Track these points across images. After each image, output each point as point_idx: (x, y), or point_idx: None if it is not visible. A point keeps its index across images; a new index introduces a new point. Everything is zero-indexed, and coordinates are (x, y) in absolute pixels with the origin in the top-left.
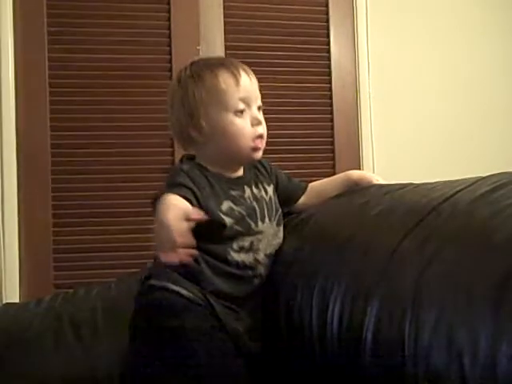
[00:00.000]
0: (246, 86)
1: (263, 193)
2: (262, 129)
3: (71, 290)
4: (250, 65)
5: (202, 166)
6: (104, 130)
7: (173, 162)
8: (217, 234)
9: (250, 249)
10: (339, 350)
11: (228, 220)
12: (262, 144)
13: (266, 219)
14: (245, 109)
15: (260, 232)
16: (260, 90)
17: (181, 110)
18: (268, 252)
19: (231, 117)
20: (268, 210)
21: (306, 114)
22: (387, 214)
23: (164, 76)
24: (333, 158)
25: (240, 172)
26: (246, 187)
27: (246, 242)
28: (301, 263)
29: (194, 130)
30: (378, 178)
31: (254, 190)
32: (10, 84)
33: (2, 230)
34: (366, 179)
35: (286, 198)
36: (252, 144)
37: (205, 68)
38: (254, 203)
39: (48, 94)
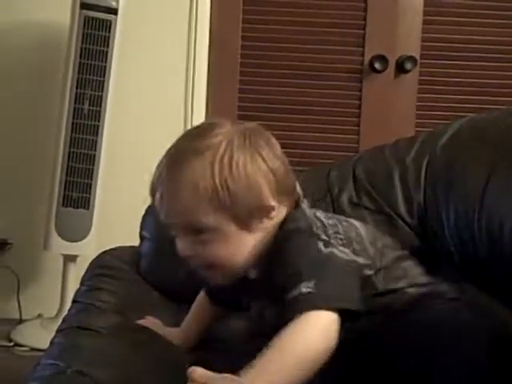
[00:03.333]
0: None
1: None
2: (193, 263)
3: None
4: None
5: None
6: (295, 25)
7: (362, 63)
8: None
9: None
10: None
11: None
12: (206, 274)
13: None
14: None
15: None
16: None
17: None
18: None
19: None
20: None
21: (510, 18)
22: None
23: None
24: None
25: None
26: None
27: None
28: None
29: None
30: None
31: None
32: None
33: (190, 121)
34: None
35: None
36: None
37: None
38: None
39: None
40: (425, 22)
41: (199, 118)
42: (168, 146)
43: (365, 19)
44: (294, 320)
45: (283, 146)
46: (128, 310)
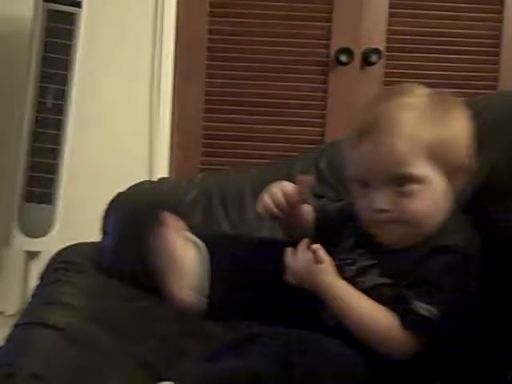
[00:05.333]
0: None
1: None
2: (385, 218)
3: (223, 170)
4: None
5: None
6: (262, 17)
7: (328, 55)
8: None
9: None
10: None
11: None
12: (386, 228)
13: None
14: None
15: None
16: None
17: None
18: None
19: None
20: None
21: (473, 11)
22: None
23: None
24: (497, 62)
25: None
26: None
27: None
28: None
29: None
30: None
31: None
32: None
33: (156, 112)
34: None
35: None
36: (371, 228)
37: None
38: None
39: None
40: (390, 15)
41: (165, 112)
42: (133, 141)
43: (330, 12)
44: (403, 323)
45: (250, 139)
46: (89, 303)
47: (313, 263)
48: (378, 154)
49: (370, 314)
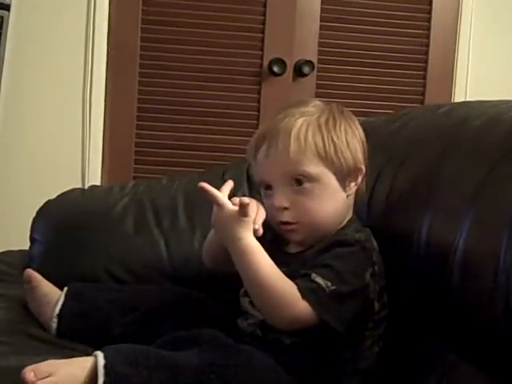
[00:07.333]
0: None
1: None
2: (286, 216)
3: (155, 178)
4: None
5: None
6: (195, 26)
7: (261, 66)
8: None
9: None
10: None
11: None
12: (289, 228)
13: None
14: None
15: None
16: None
17: None
18: None
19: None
20: None
21: (401, 27)
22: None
23: None
24: (424, 77)
25: (293, 247)
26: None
27: None
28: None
29: None
30: None
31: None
32: None
33: (88, 119)
34: None
35: None
36: (279, 227)
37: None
38: None
39: None
40: (322, 28)
41: (98, 120)
42: (65, 148)
43: (264, 23)
44: (299, 289)
45: (183, 148)
46: (19, 313)
47: (236, 214)
48: (274, 155)
49: (273, 275)
